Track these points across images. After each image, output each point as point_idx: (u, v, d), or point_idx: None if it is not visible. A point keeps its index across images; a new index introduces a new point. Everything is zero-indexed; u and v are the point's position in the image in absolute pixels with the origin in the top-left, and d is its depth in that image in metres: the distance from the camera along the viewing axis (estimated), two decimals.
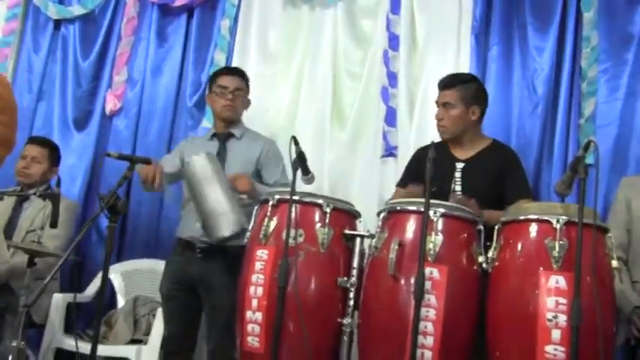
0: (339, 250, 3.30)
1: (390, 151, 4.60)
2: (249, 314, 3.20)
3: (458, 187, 3.70)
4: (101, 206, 3.09)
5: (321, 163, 4.66)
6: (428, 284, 2.90)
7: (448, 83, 3.82)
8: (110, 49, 5.58)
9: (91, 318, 4.61)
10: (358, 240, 3.33)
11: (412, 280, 2.90)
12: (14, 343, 3.65)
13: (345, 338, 3.22)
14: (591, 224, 2.82)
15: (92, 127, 5.50)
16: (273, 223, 3.29)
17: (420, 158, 3.82)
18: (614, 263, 2.95)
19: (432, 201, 2.97)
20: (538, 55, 4.42)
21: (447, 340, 2.91)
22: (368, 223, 3.46)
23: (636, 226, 3.60)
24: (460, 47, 4.61)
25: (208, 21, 5.33)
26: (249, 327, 3.20)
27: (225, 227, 3.62)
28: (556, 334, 2.75)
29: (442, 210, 3.08)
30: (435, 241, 3.00)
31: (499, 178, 3.69)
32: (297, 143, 3.37)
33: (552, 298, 2.79)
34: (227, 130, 4.19)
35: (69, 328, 4.57)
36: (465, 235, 3.11)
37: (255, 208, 3.50)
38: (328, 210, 3.27)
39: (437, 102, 3.85)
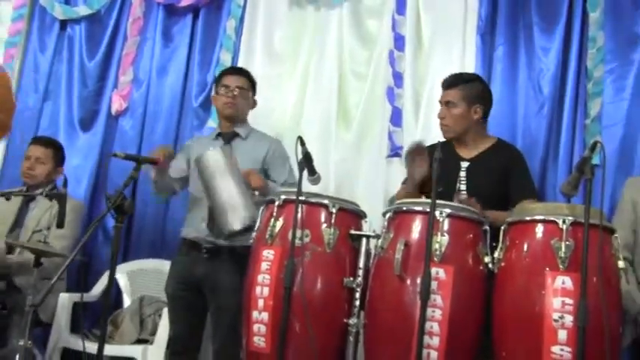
0: (345, 250, 3.30)
1: (395, 151, 4.60)
2: (255, 314, 3.21)
3: (463, 187, 3.71)
4: (108, 206, 3.10)
5: (327, 163, 4.66)
6: (434, 284, 2.89)
7: (451, 82, 3.83)
8: (116, 49, 5.59)
9: (97, 317, 4.63)
10: (364, 240, 3.34)
11: (418, 281, 2.88)
12: (21, 343, 3.67)
13: (351, 338, 3.22)
14: (597, 225, 2.81)
15: (98, 128, 5.52)
16: (279, 224, 3.29)
17: None
18: (621, 264, 2.94)
19: (437, 201, 2.97)
20: (544, 56, 4.42)
21: (452, 340, 2.91)
22: (373, 223, 3.45)
23: None
24: (466, 47, 4.61)
25: (214, 21, 5.34)
26: (256, 327, 3.20)
27: (237, 221, 3.60)
28: (562, 335, 2.75)
29: (448, 210, 3.08)
30: (441, 241, 3.00)
31: (504, 178, 3.69)
32: (303, 144, 3.37)
33: (558, 298, 2.79)
34: (232, 130, 4.19)
35: (75, 328, 4.57)
36: (471, 235, 3.11)
37: (261, 208, 3.50)
38: (334, 210, 3.27)
39: (440, 101, 3.87)
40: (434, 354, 2.89)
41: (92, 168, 5.42)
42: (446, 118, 3.80)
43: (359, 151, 4.77)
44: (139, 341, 4.49)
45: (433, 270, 2.89)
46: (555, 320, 2.77)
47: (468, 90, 3.78)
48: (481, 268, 3.06)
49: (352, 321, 3.21)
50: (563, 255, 2.83)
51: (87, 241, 3.25)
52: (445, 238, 3.02)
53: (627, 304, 3.23)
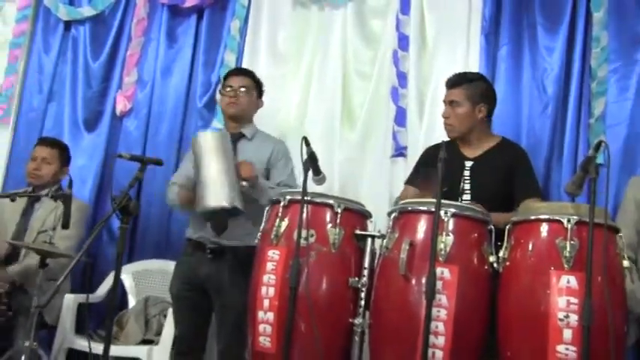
0: (350, 250, 3.30)
1: (399, 151, 4.60)
2: (260, 314, 3.21)
3: (467, 186, 3.71)
4: (113, 207, 3.10)
5: (331, 163, 4.66)
6: (439, 284, 2.90)
7: (455, 82, 3.84)
8: (120, 50, 5.59)
9: (102, 318, 4.62)
10: (369, 240, 3.34)
11: (423, 280, 2.90)
12: (27, 344, 3.68)
13: (357, 338, 3.22)
14: (602, 224, 2.81)
15: (102, 128, 5.52)
16: (284, 224, 3.30)
17: (429, 157, 3.83)
18: (626, 263, 2.95)
19: (442, 201, 2.97)
20: (548, 55, 4.42)
21: (458, 340, 2.92)
22: (378, 223, 3.46)
23: None
24: (470, 47, 4.62)
25: (218, 22, 5.34)
26: (261, 327, 3.21)
27: (213, 198, 3.62)
28: (567, 334, 2.75)
29: (453, 210, 3.08)
30: (446, 241, 3.00)
31: (508, 177, 3.69)
32: (308, 144, 3.38)
33: (563, 297, 2.79)
34: (238, 131, 4.20)
35: (80, 329, 4.58)
36: (476, 234, 3.11)
37: (267, 209, 3.50)
38: (339, 210, 3.28)
39: (444, 100, 3.87)
40: (439, 354, 2.90)
41: (97, 169, 5.42)
42: (450, 118, 3.81)
43: (363, 151, 4.78)
44: (144, 342, 4.50)
45: (438, 270, 2.89)
46: (560, 319, 2.77)
47: (473, 89, 3.79)
48: (486, 267, 3.07)
49: (357, 321, 3.22)
50: (568, 254, 2.83)
51: (92, 242, 3.26)
52: (450, 238, 3.02)
53: (632, 304, 3.22)
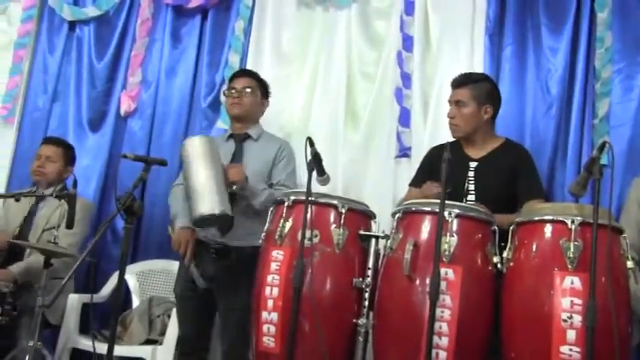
0: (354, 250, 3.31)
1: (403, 152, 4.60)
2: (264, 315, 3.21)
3: (471, 187, 3.71)
4: (118, 208, 3.11)
5: (335, 164, 4.66)
6: (443, 285, 2.90)
7: (461, 82, 3.84)
8: (125, 50, 5.60)
9: (106, 318, 4.62)
10: (373, 240, 3.34)
11: (427, 281, 2.89)
12: (31, 343, 3.68)
13: (360, 339, 3.23)
14: (606, 225, 2.81)
15: (107, 128, 5.52)
16: (288, 224, 3.30)
17: (434, 157, 3.84)
18: (629, 264, 2.95)
19: (446, 202, 2.97)
20: (552, 56, 4.42)
21: (461, 340, 2.92)
22: (382, 223, 3.46)
23: None
24: (474, 48, 4.62)
25: (222, 22, 5.35)
26: (265, 327, 3.21)
27: (205, 206, 3.62)
28: (571, 335, 2.75)
29: (457, 211, 3.08)
30: (450, 241, 3.00)
31: (512, 178, 3.69)
32: (312, 144, 3.38)
33: (567, 298, 2.79)
34: (244, 132, 4.20)
35: (84, 329, 4.59)
36: (480, 235, 3.11)
37: (271, 209, 3.51)
38: (343, 211, 3.28)
39: (449, 100, 3.88)
40: (443, 354, 2.90)
41: (101, 169, 5.43)
42: (456, 118, 3.81)
43: (367, 152, 4.77)
44: (148, 342, 4.50)
45: (442, 270, 2.89)
46: (564, 320, 2.77)
47: (478, 90, 3.80)
48: (490, 268, 3.07)
49: (361, 321, 3.22)
50: (571, 255, 2.83)
51: (97, 242, 3.26)
52: (454, 239, 3.02)
53: (636, 304, 3.22)
